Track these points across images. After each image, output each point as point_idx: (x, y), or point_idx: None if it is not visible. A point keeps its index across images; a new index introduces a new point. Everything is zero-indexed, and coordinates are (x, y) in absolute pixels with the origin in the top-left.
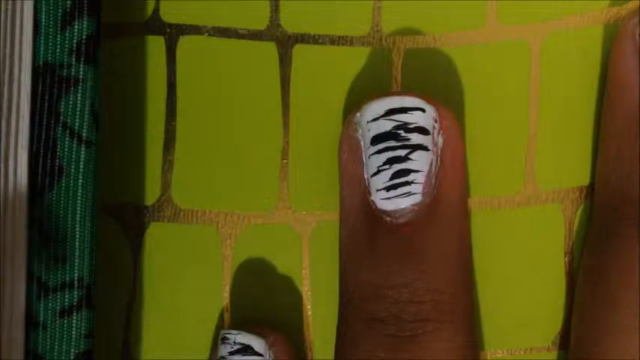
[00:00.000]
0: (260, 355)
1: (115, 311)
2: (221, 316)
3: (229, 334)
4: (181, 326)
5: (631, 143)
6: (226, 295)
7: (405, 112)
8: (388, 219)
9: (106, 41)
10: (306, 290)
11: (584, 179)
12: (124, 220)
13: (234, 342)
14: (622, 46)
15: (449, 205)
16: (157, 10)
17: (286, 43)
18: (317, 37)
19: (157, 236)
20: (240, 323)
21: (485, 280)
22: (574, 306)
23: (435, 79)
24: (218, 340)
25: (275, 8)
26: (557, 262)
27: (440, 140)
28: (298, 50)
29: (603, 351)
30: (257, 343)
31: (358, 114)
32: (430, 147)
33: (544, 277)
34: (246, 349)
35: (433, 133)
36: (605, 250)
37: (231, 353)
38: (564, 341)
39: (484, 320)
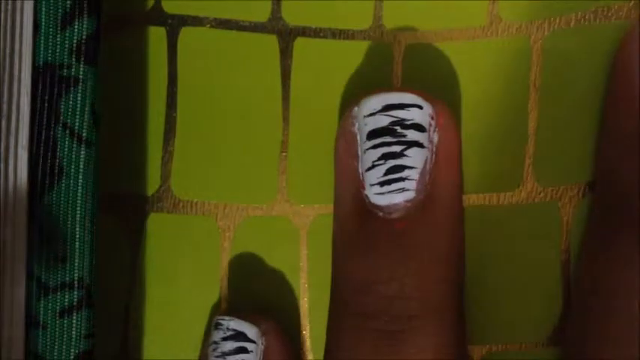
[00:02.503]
0: (252, 342)
1: (113, 301)
2: (218, 307)
3: (223, 319)
4: (179, 316)
5: (633, 143)
6: (224, 286)
7: (402, 109)
8: (381, 214)
9: (107, 32)
10: (303, 283)
11: (583, 177)
12: (123, 211)
13: (227, 328)
14: (630, 47)
15: (442, 203)
16: (158, 1)
17: (287, 36)
18: (318, 30)
19: (156, 227)
20: (236, 314)
21: (481, 277)
22: (573, 302)
23: (436, 75)
24: (212, 325)
25: (277, 1)
26: (553, 260)
27: (436, 138)
28: (299, 43)
29: (602, 350)
30: (250, 329)
31: (356, 108)
32: (426, 144)
33: (540, 274)
34: (239, 336)
35: (429, 130)
36: (605, 250)
37: (224, 339)
38: (558, 338)
39: (479, 316)
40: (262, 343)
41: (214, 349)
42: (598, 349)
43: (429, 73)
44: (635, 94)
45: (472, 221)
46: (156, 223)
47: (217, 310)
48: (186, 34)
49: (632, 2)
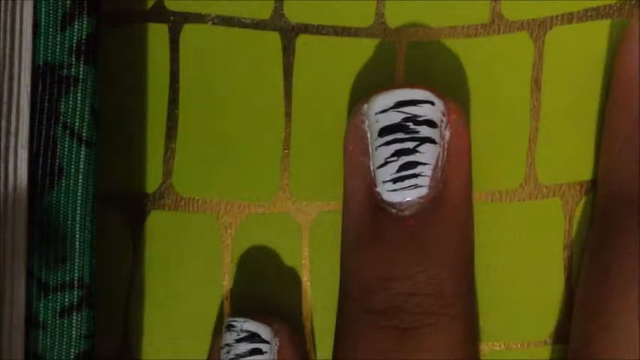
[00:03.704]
0: (267, 342)
1: (113, 301)
2: (221, 305)
3: (235, 321)
4: (181, 314)
5: (634, 143)
6: (226, 283)
7: (415, 105)
8: (393, 211)
9: (109, 29)
10: (305, 280)
11: (586, 174)
12: (124, 208)
13: (241, 330)
14: (629, 46)
15: (454, 199)
16: None
17: (290, 33)
18: (320, 27)
19: (157, 224)
20: (240, 312)
21: (484, 273)
22: (575, 303)
23: (438, 72)
24: (223, 327)
25: None
26: (556, 257)
27: (447, 134)
28: (301, 40)
29: (603, 349)
30: (263, 330)
31: (365, 105)
32: (438, 140)
33: (543, 271)
34: (253, 337)
35: (441, 127)
36: (607, 248)
37: (238, 341)
38: (562, 335)
39: (482, 313)
40: (276, 344)
41: (228, 352)
42: (600, 348)
43: (431, 71)
44: (635, 95)
45: (475, 218)
46: (157, 221)
47: (219, 307)
48: (188, 31)
49: (634, 0)
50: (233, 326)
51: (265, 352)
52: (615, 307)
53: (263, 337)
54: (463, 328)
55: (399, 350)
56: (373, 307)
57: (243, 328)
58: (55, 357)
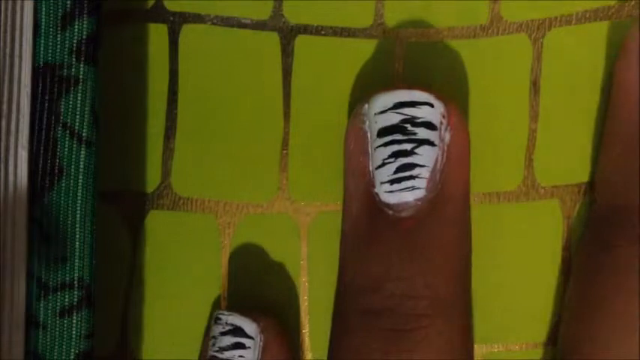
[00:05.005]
0: (250, 337)
1: (113, 298)
2: (218, 305)
3: (222, 314)
4: (179, 314)
5: (633, 150)
6: (224, 284)
7: (414, 106)
8: (391, 212)
9: (109, 28)
10: (303, 281)
11: (584, 176)
12: (123, 208)
13: (226, 323)
14: (630, 53)
15: (452, 202)
16: None
17: (289, 34)
18: (320, 28)
19: (156, 224)
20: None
21: (482, 275)
22: (566, 305)
23: (437, 73)
24: (212, 320)
25: None
26: (554, 258)
27: (447, 136)
28: (300, 41)
29: (594, 351)
30: (248, 325)
31: (366, 105)
32: (436, 142)
33: (541, 272)
34: (237, 331)
35: (440, 129)
36: (601, 252)
37: (223, 334)
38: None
39: (480, 315)
40: (261, 340)
41: (213, 344)
42: (592, 346)
43: (430, 71)
44: (635, 102)
45: (472, 219)
46: (156, 221)
47: (217, 307)
48: (187, 31)
49: (633, 2)
50: (220, 319)
51: (248, 347)
52: (607, 311)
53: (247, 331)
54: (458, 331)
55: (392, 351)
56: (368, 307)
57: (229, 322)
58: (55, 357)
